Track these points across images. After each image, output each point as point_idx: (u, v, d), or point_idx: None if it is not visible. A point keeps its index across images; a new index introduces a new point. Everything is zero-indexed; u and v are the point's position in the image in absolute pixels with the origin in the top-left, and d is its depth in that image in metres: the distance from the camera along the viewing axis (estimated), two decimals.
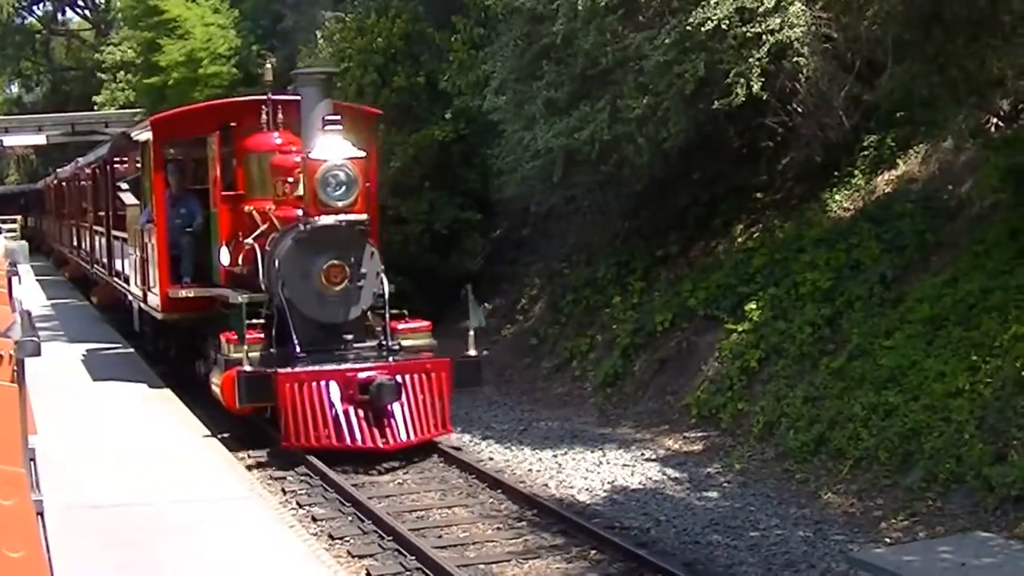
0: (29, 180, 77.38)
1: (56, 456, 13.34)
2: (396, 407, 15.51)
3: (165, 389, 18.59)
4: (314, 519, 13.08)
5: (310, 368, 15.62)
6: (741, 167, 19.14)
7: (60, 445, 14.17)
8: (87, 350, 23.02)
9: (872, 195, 16.86)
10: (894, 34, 14.08)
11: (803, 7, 15.41)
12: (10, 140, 62.02)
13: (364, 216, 16.57)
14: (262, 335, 16.28)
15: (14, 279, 11.43)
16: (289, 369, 15.49)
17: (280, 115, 18.23)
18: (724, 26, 15.20)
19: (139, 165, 22.25)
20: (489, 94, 19.47)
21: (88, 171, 32.86)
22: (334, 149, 16.22)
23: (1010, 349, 12.50)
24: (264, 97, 18.80)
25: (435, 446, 16.05)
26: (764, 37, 15.25)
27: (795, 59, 15.60)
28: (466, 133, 24.00)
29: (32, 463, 9.84)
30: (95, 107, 58.54)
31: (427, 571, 11.22)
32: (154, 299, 19.98)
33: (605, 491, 14.17)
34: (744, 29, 15.30)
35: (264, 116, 18.49)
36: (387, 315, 16.60)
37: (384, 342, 16.53)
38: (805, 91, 16.57)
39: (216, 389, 16.48)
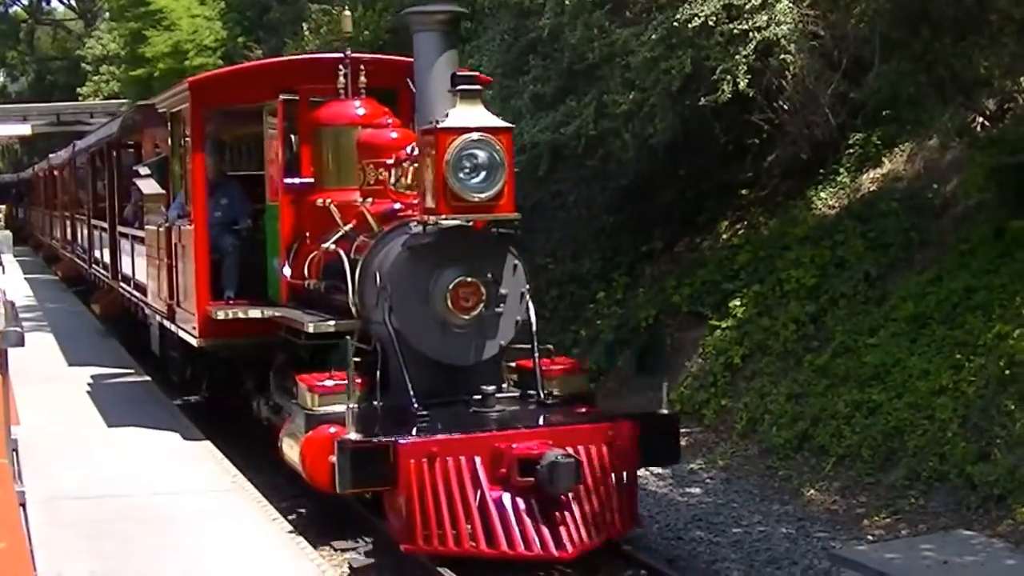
0: (15, 170, 77.28)
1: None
2: (571, 495, 10.52)
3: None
4: (297, 511, 13.03)
5: (444, 436, 10.59)
6: (727, 164, 19.15)
7: None
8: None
9: (857, 193, 16.87)
10: (881, 32, 14.10)
11: (790, 4, 15.40)
12: None
13: (514, 215, 11.70)
14: (359, 380, 11.26)
15: None
16: (414, 437, 10.57)
17: (363, 78, 14.25)
18: (711, 23, 15.18)
19: (158, 144, 18.73)
20: None
21: (87, 156, 28.94)
22: (471, 119, 11.35)
23: (993, 348, 12.52)
24: (340, 55, 14.62)
25: None
26: (751, 34, 15.23)
27: (782, 56, 15.59)
28: None
29: (15, 454, 9.83)
30: (80, 98, 58.61)
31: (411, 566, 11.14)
32: (187, 319, 15.54)
33: None
34: (731, 26, 15.28)
35: (341, 79, 14.29)
36: (536, 352, 11.96)
37: (536, 392, 11.80)
38: (791, 88, 16.57)
39: (292, 455, 11.64)
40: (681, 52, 15.52)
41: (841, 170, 17.36)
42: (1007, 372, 12.10)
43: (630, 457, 11.00)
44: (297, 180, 14.25)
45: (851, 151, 17.47)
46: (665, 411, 11.79)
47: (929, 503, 11.90)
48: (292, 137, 14.89)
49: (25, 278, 37.76)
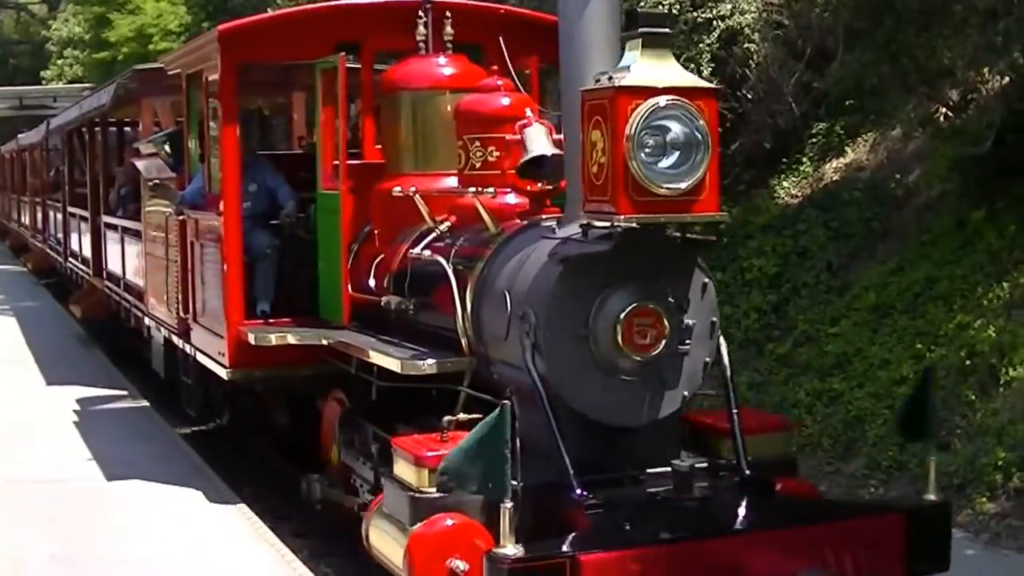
0: None
1: None
2: None
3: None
4: (258, 498, 12.98)
5: (645, 546, 7.03)
6: None
7: None
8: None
9: (820, 182, 16.89)
10: (845, 22, 14.12)
11: None
12: None
13: (720, 215, 7.71)
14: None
15: None
16: (599, 548, 6.88)
17: (448, 28, 10.93)
18: (675, 11, 15.20)
19: (159, 119, 16.07)
20: None
21: (63, 135, 25.56)
22: (660, 76, 7.40)
23: (954, 338, 12.56)
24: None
25: None
26: (715, 23, 15.29)
27: (746, 45, 15.64)
28: None
29: None
30: (43, 82, 58.38)
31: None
32: (210, 340, 12.05)
33: None
34: (695, 14, 15.33)
35: (421, 29, 11.06)
36: (733, 404, 8.26)
37: (738, 463, 8.09)
38: (755, 77, 16.59)
39: (391, 555, 7.88)
40: None
41: (804, 159, 17.38)
42: (968, 362, 12.14)
43: (899, 566, 7.62)
44: (362, 161, 11.31)
45: (814, 140, 17.49)
46: (933, 497, 8.36)
47: (889, 492, 11.91)
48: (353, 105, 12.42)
49: None
